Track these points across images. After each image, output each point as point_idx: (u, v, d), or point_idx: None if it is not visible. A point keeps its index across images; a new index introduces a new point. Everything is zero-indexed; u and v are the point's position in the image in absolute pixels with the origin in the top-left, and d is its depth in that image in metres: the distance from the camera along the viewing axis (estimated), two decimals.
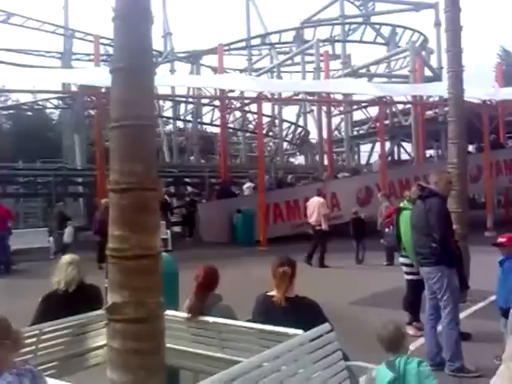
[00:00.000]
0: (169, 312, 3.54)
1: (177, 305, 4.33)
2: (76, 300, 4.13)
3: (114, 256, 3.10)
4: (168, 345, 3.25)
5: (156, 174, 3.22)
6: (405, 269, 7.22)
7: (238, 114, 33.81)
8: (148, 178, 3.16)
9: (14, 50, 35.69)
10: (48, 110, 43.06)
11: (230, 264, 11.01)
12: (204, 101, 30.93)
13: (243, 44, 34.13)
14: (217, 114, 30.33)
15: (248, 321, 3.83)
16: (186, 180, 24.90)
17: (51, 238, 15.53)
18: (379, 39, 32.90)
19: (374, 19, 34.72)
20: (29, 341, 3.61)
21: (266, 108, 31.05)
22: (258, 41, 35.17)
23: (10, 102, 43.96)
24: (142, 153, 3.16)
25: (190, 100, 31.95)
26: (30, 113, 45.73)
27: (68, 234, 15.45)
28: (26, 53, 36.61)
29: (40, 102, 33.13)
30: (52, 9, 79.76)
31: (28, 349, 3.59)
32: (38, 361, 3.59)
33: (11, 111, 45.98)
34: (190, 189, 24.23)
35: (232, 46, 33.04)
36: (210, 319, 3.79)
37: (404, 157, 32.69)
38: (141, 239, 3.09)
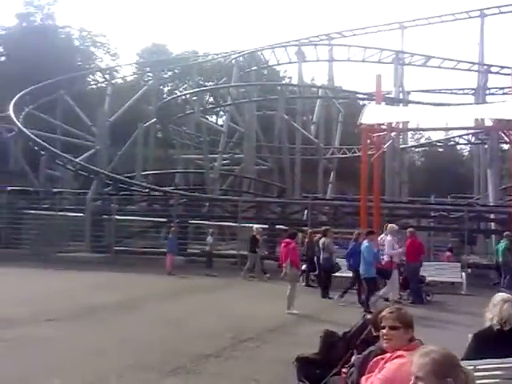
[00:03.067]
0: None
1: None
2: (510, 340, 3.98)
3: None
4: None
5: None
6: None
7: None
8: None
9: (429, 91, 37.75)
10: (459, 146, 43.58)
11: None
12: None
13: None
14: None
15: None
16: None
17: (463, 274, 15.49)
18: None
19: None
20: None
21: None
22: None
23: (423, 140, 46.42)
24: None
25: None
26: (441, 149, 47.34)
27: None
28: (441, 92, 38.22)
29: (452, 139, 33.86)
30: (468, 46, 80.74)
31: None
32: None
33: (424, 148, 48.48)
34: None
35: None
36: None
37: None
38: None
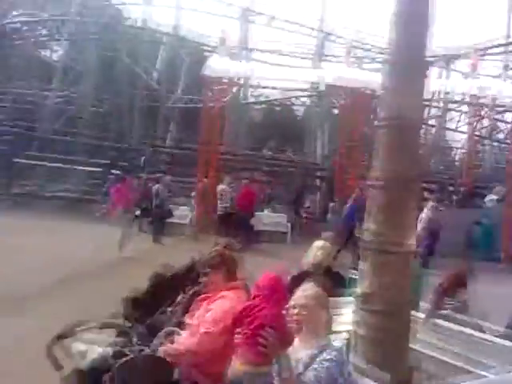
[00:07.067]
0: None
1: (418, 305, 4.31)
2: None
3: (367, 248, 3.24)
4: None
5: (416, 175, 3.27)
6: None
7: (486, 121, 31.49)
8: (408, 178, 3.23)
9: (271, 51, 38.63)
10: (295, 107, 45.59)
11: None
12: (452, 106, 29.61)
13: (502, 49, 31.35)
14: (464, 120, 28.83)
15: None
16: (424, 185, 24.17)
17: (289, 225, 16.58)
18: None
19: None
20: None
21: None
22: None
23: (262, 98, 47.61)
24: (404, 153, 3.25)
25: (435, 104, 30.77)
26: (278, 108, 49.15)
27: None
28: (282, 54, 39.35)
29: (288, 100, 35.27)
30: (310, 13, 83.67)
31: None
32: None
33: (263, 106, 49.84)
34: (426, 194, 23.31)
35: (489, 52, 30.64)
36: (455, 326, 3.69)
37: None
38: (394, 236, 3.18)
